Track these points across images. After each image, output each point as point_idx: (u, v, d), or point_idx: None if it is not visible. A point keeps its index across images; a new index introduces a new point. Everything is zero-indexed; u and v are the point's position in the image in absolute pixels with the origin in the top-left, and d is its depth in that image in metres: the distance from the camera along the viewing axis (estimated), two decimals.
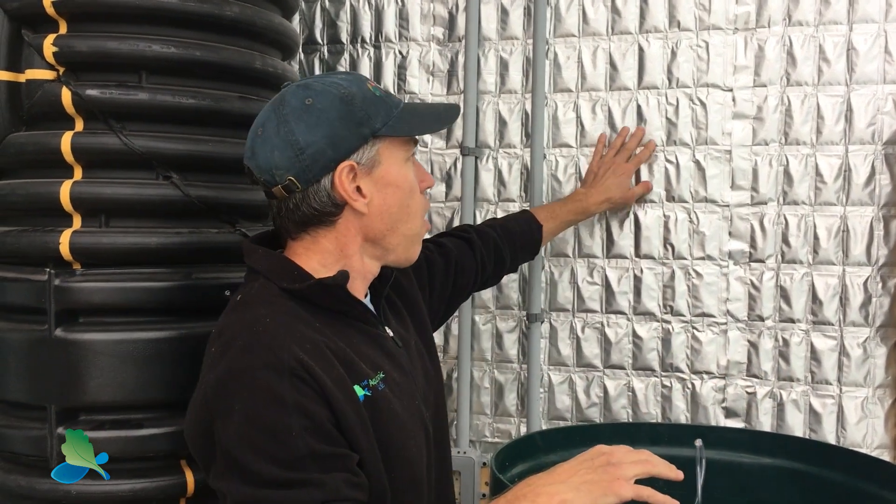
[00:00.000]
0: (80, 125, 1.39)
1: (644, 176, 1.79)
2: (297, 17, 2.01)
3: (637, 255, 1.81)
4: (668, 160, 1.77)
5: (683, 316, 1.78)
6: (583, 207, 1.74)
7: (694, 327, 1.77)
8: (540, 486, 1.01)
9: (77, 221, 1.38)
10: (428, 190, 1.29)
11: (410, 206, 1.20)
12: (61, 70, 1.38)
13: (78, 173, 1.39)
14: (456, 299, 1.55)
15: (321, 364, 1.07)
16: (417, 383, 1.25)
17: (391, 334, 1.25)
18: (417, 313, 1.37)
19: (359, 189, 1.16)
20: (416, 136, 1.23)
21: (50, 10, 1.37)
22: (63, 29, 1.39)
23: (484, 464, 1.88)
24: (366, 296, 1.26)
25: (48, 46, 1.37)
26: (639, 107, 1.79)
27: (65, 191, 1.36)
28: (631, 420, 1.81)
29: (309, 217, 1.17)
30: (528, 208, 1.79)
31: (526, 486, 1.02)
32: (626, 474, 1.00)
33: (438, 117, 1.30)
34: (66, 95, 1.36)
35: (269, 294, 1.15)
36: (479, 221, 1.89)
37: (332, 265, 1.19)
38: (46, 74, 1.39)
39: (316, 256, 1.19)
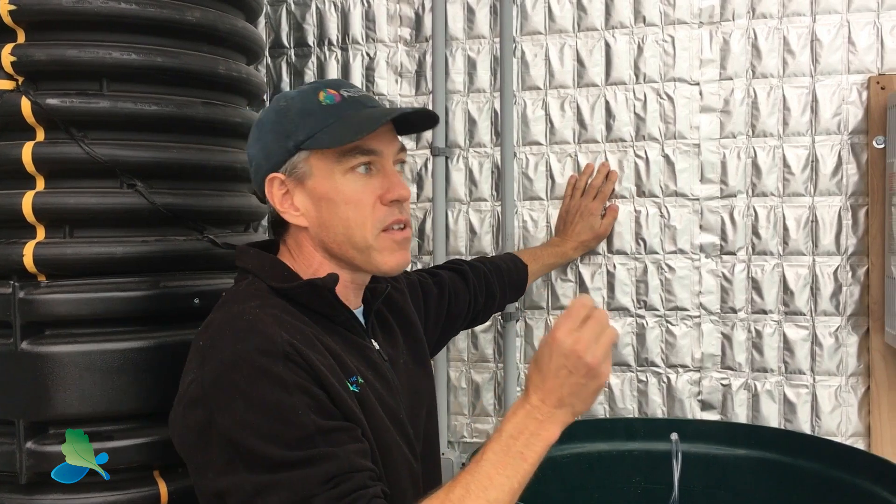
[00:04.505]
0: (41, 135, 1.37)
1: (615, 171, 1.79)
2: (262, 21, 2.00)
3: (609, 250, 1.81)
4: (637, 155, 1.78)
5: (657, 310, 1.78)
6: (561, 252, 1.77)
7: (668, 321, 1.78)
8: (533, 429, 0.98)
9: (41, 233, 1.37)
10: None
11: (352, 218, 1.13)
12: (20, 80, 1.36)
13: (40, 184, 1.37)
14: (449, 330, 1.53)
15: (313, 352, 1.05)
16: (402, 401, 1.22)
17: (377, 347, 1.23)
18: (410, 330, 1.35)
19: (294, 203, 1.16)
20: (370, 146, 1.13)
21: (7, 18, 1.35)
22: (21, 38, 1.37)
23: (463, 464, 1.87)
24: (358, 308, 1.23)
25: (6, 56, 1.35)
26: (607, 103, 1.79)
27: (27, 202, 1.34)
28: (608, 416, 1.82)
29: (278, 224, 1.20)
30: (510, 252, 1.78)
31: (517, 430, 0.99)
32: (607, 367, 0.98)
33: (360, 127, 1.11)
34: (25, 105, 1.34)
35: (258, 290, 1.13)
36: (450, 222, 1.89)
37: (319, 270, 1.17)
38: (5, 84, 1.36)
39: (303, 260, 1.19)
